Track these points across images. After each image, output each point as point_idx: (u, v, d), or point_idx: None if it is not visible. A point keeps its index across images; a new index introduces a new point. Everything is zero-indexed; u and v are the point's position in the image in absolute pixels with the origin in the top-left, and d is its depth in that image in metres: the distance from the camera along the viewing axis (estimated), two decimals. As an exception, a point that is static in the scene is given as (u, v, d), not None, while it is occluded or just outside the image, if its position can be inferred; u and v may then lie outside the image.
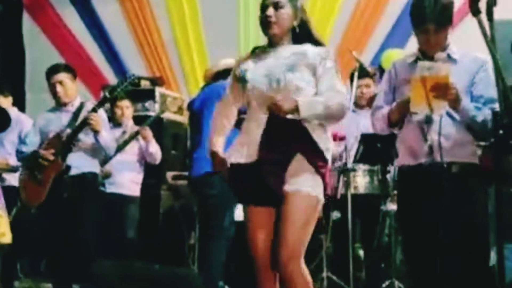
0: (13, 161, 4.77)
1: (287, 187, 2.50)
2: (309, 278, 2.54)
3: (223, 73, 4.43)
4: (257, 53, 2.70)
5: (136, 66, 6.45)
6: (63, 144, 3.97)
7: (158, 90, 5.63)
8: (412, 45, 2.97)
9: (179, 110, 5.86)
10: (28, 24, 6.91)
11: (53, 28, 6.83)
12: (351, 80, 4.44)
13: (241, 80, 2.63)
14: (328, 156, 2.57)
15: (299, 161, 2.51)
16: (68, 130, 3.98)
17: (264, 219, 2.59)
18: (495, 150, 2.25)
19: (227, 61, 4.52)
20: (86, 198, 4.05)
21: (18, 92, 5.82)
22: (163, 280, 2.29)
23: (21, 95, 6.36)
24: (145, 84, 5.74)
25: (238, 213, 4.35)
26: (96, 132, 3.98)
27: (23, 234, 4.50)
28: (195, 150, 4.37)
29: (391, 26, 6.00)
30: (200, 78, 5.69)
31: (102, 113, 4.14)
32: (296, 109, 2.45)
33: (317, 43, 2.66)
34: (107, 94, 4.00)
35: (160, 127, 5.32)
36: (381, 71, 5.91)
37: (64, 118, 4.11)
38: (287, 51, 2.62)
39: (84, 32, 6.81)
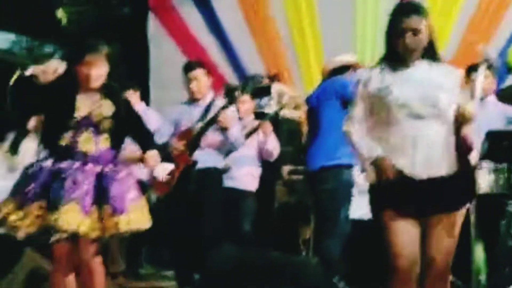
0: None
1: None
2: None
3: (340, 70, 4.42)
4: (388, 67, 2.66)
5: (253, 62, 6.56)
6: (193, 138, 4.11)
7: (274, 87, 5.69)
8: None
9: (295, 107, 5.89)
10: (153, 24, 7.25)
11: (176, 28, 7.11)
12: (467, 74, 4.26)
13: (383, 95, 2.62)
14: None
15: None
16: (199, 125, 4.12)
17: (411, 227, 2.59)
18: None
19: (344, 58, 4.50)
20: (211, 192, 4.17)
21: (143, 89, 6.12)
22: (282, 267, 2.31)
23: (146, 92, 6.68)
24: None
25: (354, 210, 4.33)
26: (225, 129, 4.09)
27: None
28: (311, 145, 4.40)
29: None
30: (315, 74, 5.70)
31: (232, 110, 4.24)
32: None
33: (437, 59, 2.69)
34: (237, 93, 4.10)
35: (276, 123, 5.38)
36: (509, 66, 5.63)
37: (195, 112, 4.25)
38: (426, 68, 2.64)
39: (203, 29, 7.02)
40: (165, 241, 5.52)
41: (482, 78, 3.99)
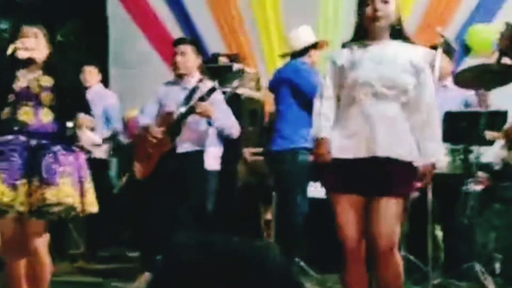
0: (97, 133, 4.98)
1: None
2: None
3: (300, 52, 4.39)
4: (357, 46, 2.68)
5: (214, 42, 6.50)
6: (173, 124, 3.94)
7: (236, 66, 5.65)
8: (501, 18, 2.83)
9: (257, 87, 5.87)
10: (112, 2, 7.09)
11: (135, 7, 6.98)
12: None
13: (345, 73, 2.64)
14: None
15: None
16: (181, 110, 3.92)
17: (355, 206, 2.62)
18: None
19: (303, 38, 4.42)
20: (191, 175, 4.01)
21: (102, 67, 6.02)
22: (242, 251, 2.31)
23: (105, 70, 6.56)
24: (223, 60, 5.78)
25: (312, 189, 4.38)
26: (208, 118, 3.94)
27: (110, 205, 4.63)
28: (273, 127, 4.43)
29: (477, -1, 5.76)
30: (277, 56, 5.67)
31: (217, 96, 3.97)
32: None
33: (407, 39, 2.70)
34: (217, 85, 3.89)
35: (238, 103, 5.35)
36: (466, 47, 5.72)
37: (180, 94, 4.03)
38: (392, 48, 2.65)
39: (164, 9, 6.91)
40: (129, 223, 5.45)
41: (440, 61, 4.09)
